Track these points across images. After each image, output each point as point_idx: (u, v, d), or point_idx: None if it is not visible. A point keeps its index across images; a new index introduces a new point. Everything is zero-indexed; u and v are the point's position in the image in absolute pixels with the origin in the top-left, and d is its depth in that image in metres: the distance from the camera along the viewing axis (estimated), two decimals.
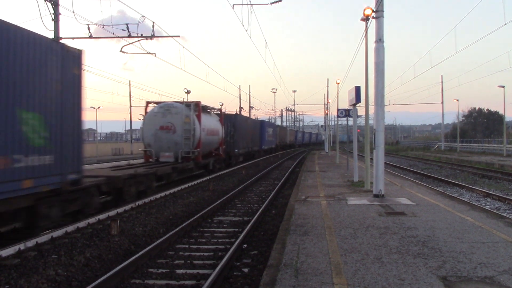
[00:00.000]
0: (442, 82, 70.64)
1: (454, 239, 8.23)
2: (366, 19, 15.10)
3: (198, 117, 22.08)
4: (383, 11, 13.45)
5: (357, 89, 17.61)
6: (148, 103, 22.89)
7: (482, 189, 20.16)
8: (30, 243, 9.03)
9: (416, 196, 14.20)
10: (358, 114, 22.19)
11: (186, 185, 19.15)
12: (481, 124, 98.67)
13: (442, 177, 26.51)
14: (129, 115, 60.50)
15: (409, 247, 7.64)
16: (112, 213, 12.41)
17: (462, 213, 10.96)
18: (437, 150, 69.97)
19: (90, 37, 20.75)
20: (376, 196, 13.65)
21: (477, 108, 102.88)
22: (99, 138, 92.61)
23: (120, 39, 20.85)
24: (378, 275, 6.11)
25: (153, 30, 20.93)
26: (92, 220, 11.36)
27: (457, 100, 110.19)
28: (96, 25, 20.38)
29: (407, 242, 7.99)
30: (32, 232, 9.76)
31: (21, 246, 8.76)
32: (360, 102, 18.12)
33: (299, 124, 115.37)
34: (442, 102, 71.45)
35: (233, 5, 17.62)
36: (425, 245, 7.73)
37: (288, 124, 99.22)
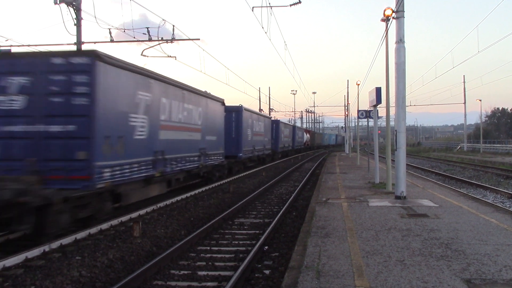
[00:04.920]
0: (464, 82, 69.58)
1: (478, 241, 8.11)
2: (386, 19, 15.00)
3: None
4: (403, 11, 13.34)
5: (378, 90, 17.47)
6: None
7: (506, 191, 19.80)
8: (55, 244, 9.21)
9: (439, 198, 14.02)
10: (379, 115, 22.00)
11: (207, 187, 19.26)
12: (504, 124, 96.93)
13: (465, 179, 26.13)
14: None
15: (432, 249, 7.55)
16: (134, 215, 12.56)
17: (486, 215, 10.79)
18: (460, 151, 68.97)
19: (112, 41, 20.97)
20: (397, 197, 13.52)
21: (500, 108, 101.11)
22: None
23: (141, 42, 21.05)
24: (401, 278, 6.06)
25: (173, 34, 20.99)
26: (114, 222, 11.51)
27: (480, 100, 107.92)
28: (117, 29, 20.62)
29: (430, 244, 7.91)
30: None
31: (46, 248, 8.94)
32: (380, 103, 17.99)
33: (319, 126, 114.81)
34: (465, 102, 70.21)
35: (253, 7, 17.77)
36: (448, 247, 7.64)
37: (308, 126, 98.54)
